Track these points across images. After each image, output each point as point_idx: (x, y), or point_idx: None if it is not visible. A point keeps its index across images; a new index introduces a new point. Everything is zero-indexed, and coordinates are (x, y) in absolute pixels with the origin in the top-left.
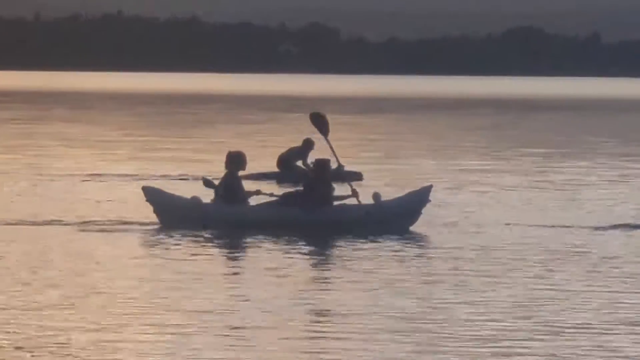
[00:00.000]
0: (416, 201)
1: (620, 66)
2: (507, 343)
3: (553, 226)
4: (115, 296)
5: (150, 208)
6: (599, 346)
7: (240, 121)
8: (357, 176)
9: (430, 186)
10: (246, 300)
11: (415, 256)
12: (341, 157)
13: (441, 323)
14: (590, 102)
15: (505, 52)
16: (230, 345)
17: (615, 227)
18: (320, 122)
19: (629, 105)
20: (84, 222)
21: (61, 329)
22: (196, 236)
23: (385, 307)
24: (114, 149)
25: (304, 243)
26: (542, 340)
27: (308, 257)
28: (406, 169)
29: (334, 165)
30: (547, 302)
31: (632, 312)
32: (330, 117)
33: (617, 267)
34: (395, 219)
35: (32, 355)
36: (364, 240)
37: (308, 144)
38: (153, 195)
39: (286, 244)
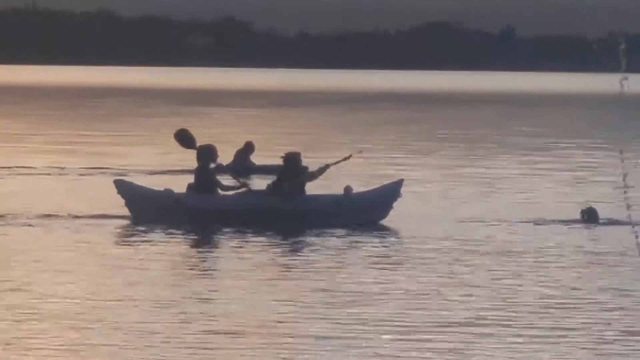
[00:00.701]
0: (387, 194)
1: (535, 60)
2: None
3: (463, 220)
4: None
5: (122, 201)
6: (492, 339)
7: (147, 114)
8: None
9: (401, 180)
10: (215, 291)
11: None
12: (257, 151)
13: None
14: (504, 96)
15: (420, 47)
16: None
17: (525, 220)
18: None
19: (542, 99)
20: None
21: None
22: (168, 228)
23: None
24: (20, 143)
25: (272, 233)
26: (434, 332)
27: (277, 247)
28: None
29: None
30: (442, 294)
31: (528, 306)
32: (241, 111)
33: (520, 259)
34: (365, 211)
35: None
36: (331, 232)
37: (249, 146)
38: (124, 188)
39: (255, 235)
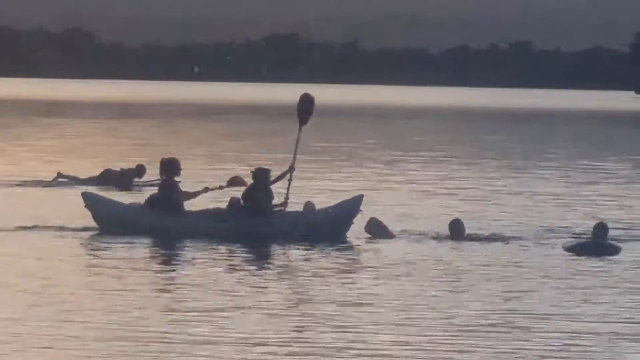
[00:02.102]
0: (346, 210)
1: (379, 73)
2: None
3: None
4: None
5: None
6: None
7: None
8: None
9: (361, 196)
10: (171, 310)
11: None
12: (107, 162)
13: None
14: (349, 109)
15: (265, 58)
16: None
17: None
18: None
19: (388, 112)
20: None
21: None
22: (133, 240)
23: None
24: None
25: (228, 251)
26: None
27: (233, 266)
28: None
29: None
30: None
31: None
32: (92, 122)
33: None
34: (324, 228)
35: None
36: (288, 248)
37: (141, 169)
38: (92, 201)
39: (215, 253)
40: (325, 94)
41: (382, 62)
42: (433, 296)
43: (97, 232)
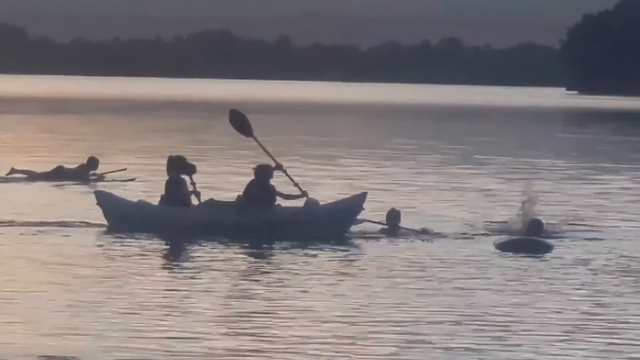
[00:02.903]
0: (348, 207)
1: (310, 69)
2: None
3: None
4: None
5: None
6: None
7: None
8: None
9: (365, 193)
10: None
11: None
12: (37, 158)
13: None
14: (280, 105)
15: (195, 55)
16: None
17: None
18: (240, 122)
19: (315, 108)
20: None
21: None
22: (139, 238)
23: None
24: None
25: (237, 244)
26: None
27: (240, 259)
28: (118, 169)
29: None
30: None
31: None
32: (22, 118)
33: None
34: (325, 224)
35: None
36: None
37: (94, 161)
38: (105, 200)
39: (219, 246)
40: (255, 90)
41: (313, 59)
42: (368, 295)
43: (107, 229)
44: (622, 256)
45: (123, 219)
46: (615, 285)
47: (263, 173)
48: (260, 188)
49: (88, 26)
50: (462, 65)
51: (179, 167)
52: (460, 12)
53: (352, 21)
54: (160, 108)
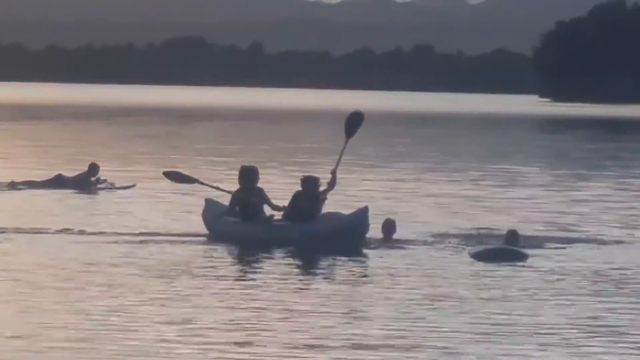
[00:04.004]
0: (351, 223)
1: (284, 76)
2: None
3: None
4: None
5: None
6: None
7: None
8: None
9: (365, 207)
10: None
11: None
12: (16, 166)
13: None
14: (253, 112)
15: (168, 61)
16: None
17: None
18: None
19: (289, 116)
20: None
21: None
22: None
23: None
24: None
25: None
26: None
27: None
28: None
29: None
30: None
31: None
32: None
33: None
34: (329, 239)
35: None
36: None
37: (94, 168)
38: (211, 209)
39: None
40: (227, 96)
41: (285, 65)
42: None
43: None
44: (598, 263)
45: (224, 234)
46: (596, 291)
47: (310, 184)
48: (306, 199)
49: (61, 33)
50: (435, 72)
51: (251, 177)
52: (433, 19)
53: (325, 28)
54: (134, 114)
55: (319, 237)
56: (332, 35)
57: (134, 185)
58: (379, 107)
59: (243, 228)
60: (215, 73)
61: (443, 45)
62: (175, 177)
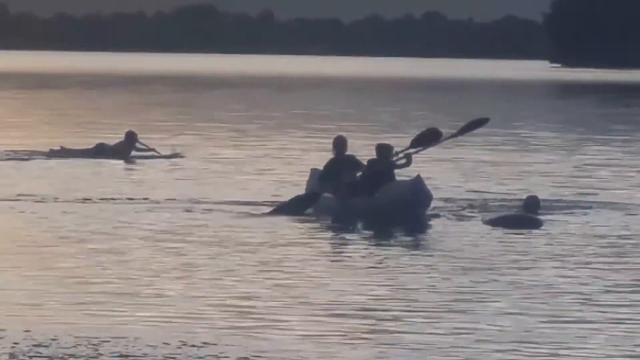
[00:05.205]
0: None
1: (295, 43)
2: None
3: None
4: None
5: None
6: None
7: None
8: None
9: (418, 176)
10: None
11: None
12: (30, 134)
13: None
14: (265, 79)
15: (178, 30)
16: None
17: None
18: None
19: (301, 82)
20: None
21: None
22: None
23: None
24: None
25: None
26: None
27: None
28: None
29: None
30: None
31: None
32: (4, 93)
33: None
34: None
35: None
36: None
37: (132, 136)
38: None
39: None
40: (240, 64)
41: (296, 33)
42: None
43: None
44: (616, 228)
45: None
46: (612, 258)
47: (385, 151)
48: (383, 166)
49: (70, 1)
50: (445, 39)
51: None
52: None
53: None
54: (147, 83)
55: (382, 210)
56: (342, 2)
57: (179, 154)
58: (389, 73)
59: (325, 202)
60: (226, 41)
61: (453, 11)
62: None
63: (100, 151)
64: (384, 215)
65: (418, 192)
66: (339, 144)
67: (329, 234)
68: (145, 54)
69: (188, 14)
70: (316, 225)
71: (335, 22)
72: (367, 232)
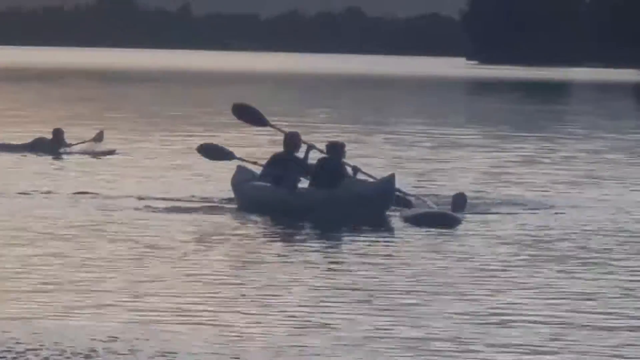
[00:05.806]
0: (377, 190)
1: (211, 38)
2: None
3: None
4: None
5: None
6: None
7: None
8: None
9: (392, 175)
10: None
11: None
12: None
13: None
14: (178, 74)
15: (96, 24)
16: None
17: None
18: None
19: (221, 78)
20: None
21: None
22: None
23: None
24: None
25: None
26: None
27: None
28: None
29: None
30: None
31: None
32: None
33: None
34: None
35: None
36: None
37: (59, 133)
38: (241, 177)
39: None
40: (155, 59)
41: (213, 28)
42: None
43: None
44: (529, 226)
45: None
46: (528, 256)
47: (335, 151)
48: (333, 165)
49: None
50: (365, 35)
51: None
52: None
53: None
54: (64, 77)
55: (341, 204)
56: None
57: (114, 151)
58: (309, 70)
59: (270, 194)
60: (144, 35)
61: (373, 8)
62: (210, 151)
63: (38, 146)
64: (343, 210)
65: (386, 192)
66: (292, 143)
67: (278, 229)
68: (62, 48)
69: (105, 8)
70: (250, 218)
71: (252, 17)
72: (317, 230)
